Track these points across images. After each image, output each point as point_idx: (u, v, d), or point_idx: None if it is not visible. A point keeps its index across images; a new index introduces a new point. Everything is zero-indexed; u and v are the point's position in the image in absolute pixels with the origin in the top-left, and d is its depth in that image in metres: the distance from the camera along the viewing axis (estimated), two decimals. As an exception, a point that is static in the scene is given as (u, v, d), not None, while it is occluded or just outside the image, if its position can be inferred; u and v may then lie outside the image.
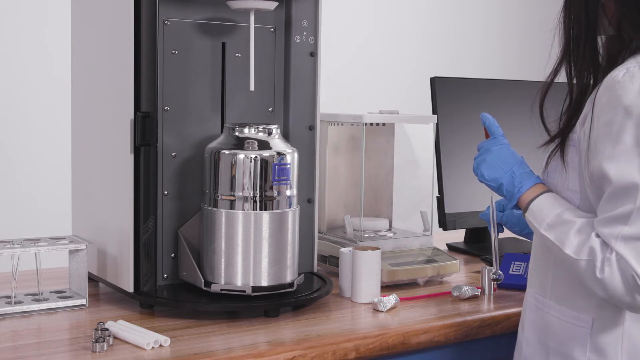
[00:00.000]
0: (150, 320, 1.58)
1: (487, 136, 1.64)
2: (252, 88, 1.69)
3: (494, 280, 1.79)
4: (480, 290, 1.82)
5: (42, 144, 3.16)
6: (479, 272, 1.96)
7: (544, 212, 1.44)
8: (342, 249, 1.82)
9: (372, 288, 1.74)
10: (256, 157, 1.61)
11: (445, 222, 2.26)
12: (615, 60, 1.41)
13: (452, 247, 2.34)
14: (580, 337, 1.41)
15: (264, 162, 1.61)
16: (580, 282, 1.39)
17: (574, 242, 1.37)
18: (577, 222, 1.38)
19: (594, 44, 1.41)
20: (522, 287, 1.86)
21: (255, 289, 1.61)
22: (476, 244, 2.36)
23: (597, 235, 1.34)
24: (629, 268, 1.29)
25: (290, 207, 1.65)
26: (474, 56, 4.25)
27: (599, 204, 1.36)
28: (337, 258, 1.86)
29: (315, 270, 1.84)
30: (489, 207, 1.73)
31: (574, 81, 1.43)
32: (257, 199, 1.61)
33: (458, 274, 2.00)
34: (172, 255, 1.70)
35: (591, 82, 1.43)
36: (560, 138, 1.43)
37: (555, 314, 1.45)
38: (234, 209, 1.61)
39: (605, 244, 1.33)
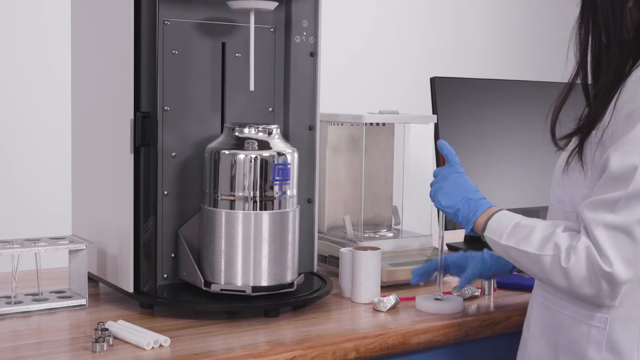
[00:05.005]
0: (150, 320, 1.58)
1: (443, 163, 1.68)
2: (252, 88, 1.69)
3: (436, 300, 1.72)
4: (480, 290, 1.82)
5: (42, 144, 3.16)
6: (479, 272, 1.96)
7: (502, 225, 1.48)
8: (342, 249, 1.82)
9: (372, 288, 1.74)
10: (256, 157, 1.61)
11: (445, 222, 2.26)
12: (628, 62, 1.42)
13: (452, 247, 2.34)
14: (595, 337, 1.41)
15: (264, 162, 1.61)
16: (545, 280, 1.40)
17: (535, 240, 1.40)
18: (535, 225, 1.43)
19: (621, 48, 1.40)
20: (522, 287, 1.86)
21: (255, 289, 1.61)
22: (476, 244, 2.36)
23: (563, 231, 1.38)
24: (597, 256, 1.31)
25: (290, 207, 1.65)
26: (474, 56, 4.25)
27: None
28: (337, 258, 1.86)
29: (315, 270, 1.84)
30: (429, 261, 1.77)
31: (598, 85, 1.42)
32: (257, 199, 1.61)
33: (458, 274, 1.99)
34: (172, 255, 1.70)
35: (613, 85, 1.42)
36: (580, 137, 1.43)
37: (568, 312, 1.45)
38: (234, 209, 1.61)
39: (570, 237, 1.36)
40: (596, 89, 1.43)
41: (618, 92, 1.38)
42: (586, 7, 1.43)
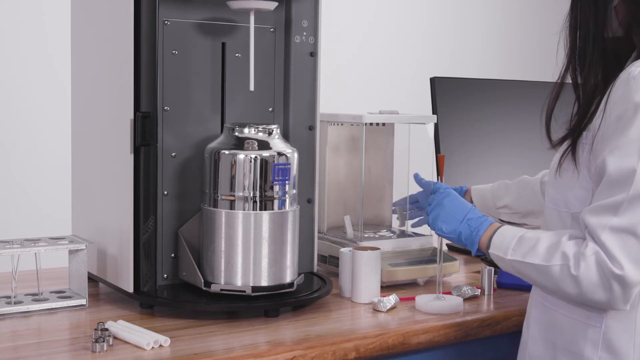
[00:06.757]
0: (150, 320, 1.58)
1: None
2: (252, 88, 1.69)
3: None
4: (480, 290, 1.83)
5: (42, 144, 3.16)
6: (479, 272, 1.96)
7: (506, 240, 1.47)
8: (342, 249, 1.82)
9: (372, 288, 1.74)
10: (256, 157, 1.61)
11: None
12: (621, 60, 1.41)
13: (452, 247, 2.34)
14: (591, 336, 1.41)
15: (264, 162, 1.61)
16: (555, 290, 1.40)
17: (541, 251, 1.39)
18: (540, 236, 1.42)
19: (603, 46, 1.41)
20: (522, 287, 1.86)
21: (255, 289, 1.61)
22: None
23: (569, 239, 1.37)
24: (607, 260, 1.30)
25: (290, 207, 1.65)
26: (474, 56, 4.25)
27: None
28: (337, 258, 1.86)
29: (315, 270, 1.84)
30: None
31: (582, 83, 1.43)
32: (257, 199, 1.61)
33: (458, 274, 2.00)
34: (172, 255, 1.70)
35: (599, 83, 1.42)
36: (572, 138, 1.43)
37: (564, 312, 1.45)
38: (234, 209, 1.61)
39: (576, 244, 1.35)
40: (581, 87, 1.43)
41: (607, 93, 1.37)
42: (574, 5, 1.44)
